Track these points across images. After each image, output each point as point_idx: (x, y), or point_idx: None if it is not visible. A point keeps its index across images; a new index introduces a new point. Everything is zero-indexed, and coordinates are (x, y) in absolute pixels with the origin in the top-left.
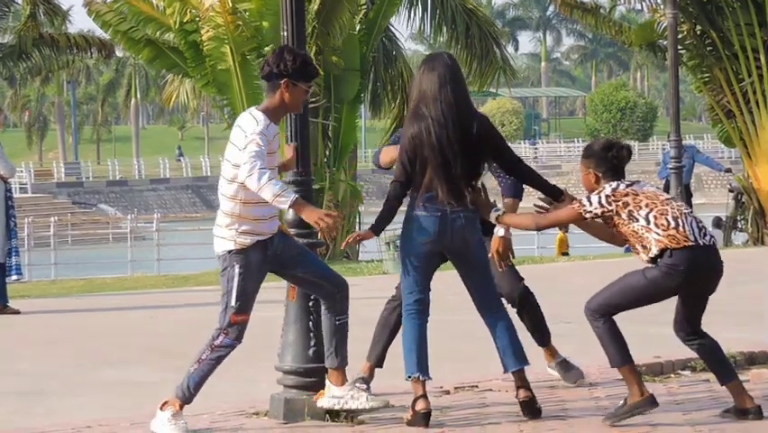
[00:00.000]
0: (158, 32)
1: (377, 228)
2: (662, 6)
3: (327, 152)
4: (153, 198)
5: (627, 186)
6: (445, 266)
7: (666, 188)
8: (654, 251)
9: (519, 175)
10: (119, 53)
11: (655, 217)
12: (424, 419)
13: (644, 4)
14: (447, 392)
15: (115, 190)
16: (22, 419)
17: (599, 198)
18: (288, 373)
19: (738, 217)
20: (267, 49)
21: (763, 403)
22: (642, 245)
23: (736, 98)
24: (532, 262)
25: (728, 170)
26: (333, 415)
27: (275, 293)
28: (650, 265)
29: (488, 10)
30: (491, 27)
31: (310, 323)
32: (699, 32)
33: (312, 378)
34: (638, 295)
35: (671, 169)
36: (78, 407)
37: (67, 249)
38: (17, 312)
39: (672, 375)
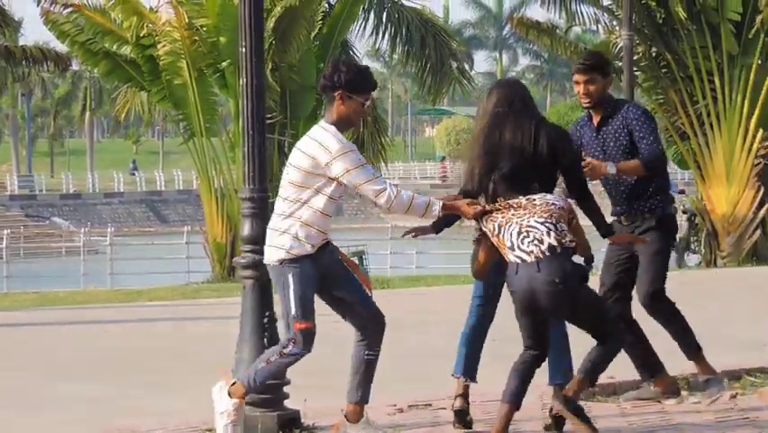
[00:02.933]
0: (115, 46)
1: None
2: (617, 28)
3: (283, 169)
4: (107, 212)
5: None
6: (400, 284)
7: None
8: None
9: None
10: (75, 66)
11: None
12: (458, 415)
13: (599, 25)
14: (401, 410)
15: (69, 204)
16: None
17: None
18: None
19: (691, 239)
20: (224, 64)
21: (718, 426)
22: None
23: (690, 120)
24: None
25: (682, 192)
26: None
27: (229, 309)
28: None
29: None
30: (447, 37)
31: (264, 340)
32: (654, 54)
33: (265, 395)
34: None
35: None
36: (34, 423)
37: (19, 262)
38: None
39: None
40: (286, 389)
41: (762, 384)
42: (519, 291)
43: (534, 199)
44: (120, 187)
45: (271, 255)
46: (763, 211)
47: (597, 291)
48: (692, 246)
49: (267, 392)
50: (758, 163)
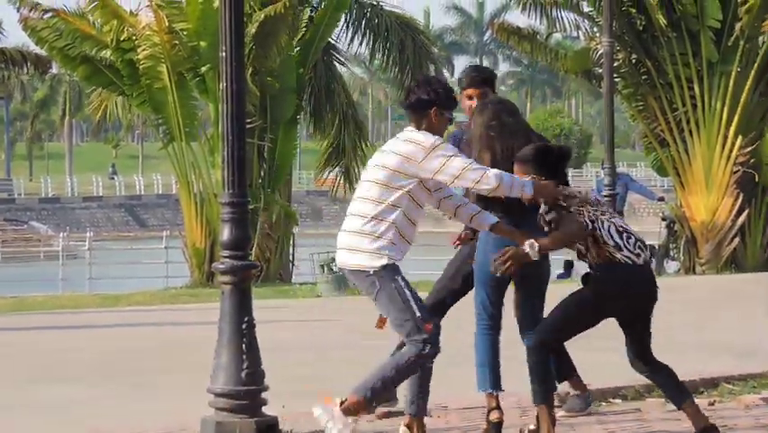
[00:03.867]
0: (94, 50)
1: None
2: (598, 34)
3: (262, 173)
4: (86, 216)
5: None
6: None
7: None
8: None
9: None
10: (55, 70)
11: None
12: (495, 428)
13: (580, 32)
14: (380, 417)
15: (47, 208)
16: None
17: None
18: (220, 396)
19: (670, 246)
20: (204, 68)
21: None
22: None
23: (669, 127)
24: None
25: (661, 199)
26: None
27: (207, 314)
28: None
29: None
30: (427, 42)
31: (243, 345)
32: (634, 61)
33: (244, 401)
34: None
35: (604, 196)
36: (14, 426)
37: None
38: None
39: (604, 403)
40: (264, 395)
41: (740, 392)
42: (637, 293)
43: (587, 193)
44: (99, 191)
45: (371, 262)
46: (741, 219)
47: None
48: (671, 253)
49: (244, 398)
50: (737, 171)
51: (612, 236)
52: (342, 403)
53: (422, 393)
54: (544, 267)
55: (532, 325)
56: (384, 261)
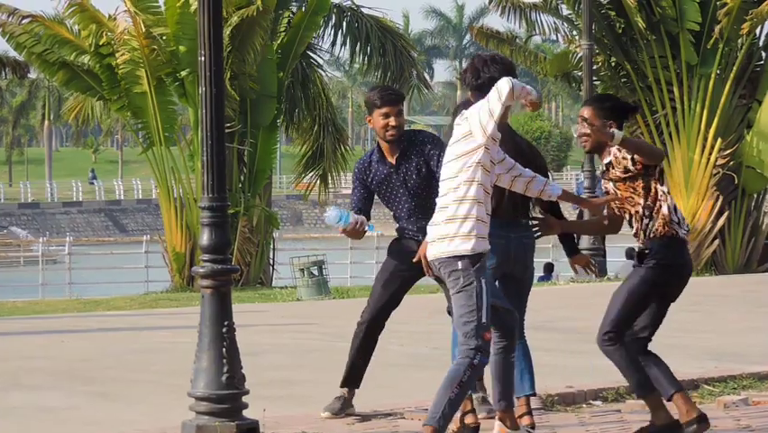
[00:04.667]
0: (73, 55)
1: None
2: (577, 38)
3: (242, 178)
4: (66, 222)
5: None
6: (360, 293)
7: (580, 218)
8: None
9: None
10: (33, 75)
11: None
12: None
13: (559, 35)
14: (360, 420)
15: (27, 213)
16: None
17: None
18: (201, 400)
19: None
20: (183, 73)
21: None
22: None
23: (649, 130)
24: None
25: None
26: None
27: (188, 319)
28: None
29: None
30: (408, 46)
31: (224, 349)
32: (613, 64)
33: (225, 404)
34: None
35: None
36: None
37: None
38: None
39: (584, 405)
40: (244, 398)
41: (720, 393)
42: (689, 271)
43: None
44: (79, 196)
45: (453, 247)
46: (721, 221)
47: None
48: None
49: (225, 402)
50: (717, 173)
51: (676, 212)
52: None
53: (507, 387)
54: (530, 271)
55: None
56: (469, 246)
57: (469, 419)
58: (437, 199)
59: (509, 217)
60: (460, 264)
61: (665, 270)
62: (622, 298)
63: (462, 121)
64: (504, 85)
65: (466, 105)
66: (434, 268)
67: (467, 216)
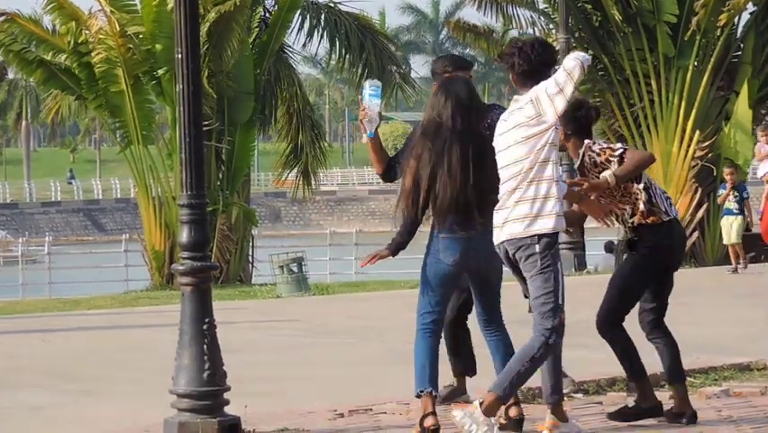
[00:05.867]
0: (50, 54)
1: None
2: (554, 31)
3: (221, 175)
4: (44, 221)
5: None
6: (340, 289)
7: None
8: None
9: None
10: (11, 75)
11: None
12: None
13: (535, 28)
14: (342, 415)
15: (6, 213)
16: None
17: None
18: (183, 397)
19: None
20: (161, 71)
21: (659, 426)
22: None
23: (627, 123)
24: None
25: None
26: None
27: (168, 317)
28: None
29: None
30: (386, 42)
31: (205, 346)
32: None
33: (206, 401)
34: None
35: None
36: None
37: None
38: None
39: (566, 399)
40: (226, 395)
41: (701, 384)
42: (682, 245)
43: None
44: (57, 196)
45: (533, 226)
46: (700, 213)
47: None
48: None
49: (207, 399)
50: (695, 165)
51: (662, 198)
52: (481, 404)
53: (557, 378)
54: (497, 262)
55: (493, 316)
56: (550, 224)
57: (513, 412)
58: (501, 186)
59: (470, 229)
60: (537, 247)
61: (656, 253)
62: (617, 285)
63: (526, 105)
64: (573, 63)
65: (492, 107)
66: (506, 251)
67: (547, 196)
